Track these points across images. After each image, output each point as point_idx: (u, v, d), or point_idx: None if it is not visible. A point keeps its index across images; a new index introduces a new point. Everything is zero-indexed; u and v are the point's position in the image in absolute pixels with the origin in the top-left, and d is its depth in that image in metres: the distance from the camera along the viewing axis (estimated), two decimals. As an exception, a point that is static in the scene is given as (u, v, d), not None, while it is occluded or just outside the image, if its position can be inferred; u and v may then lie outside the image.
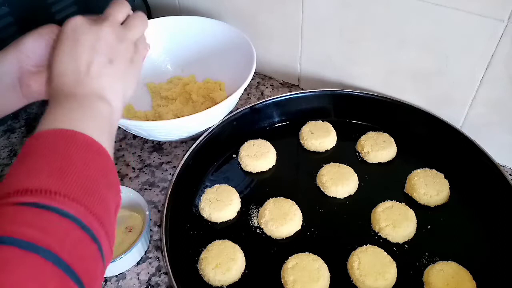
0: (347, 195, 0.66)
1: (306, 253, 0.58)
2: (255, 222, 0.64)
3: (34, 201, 0.32)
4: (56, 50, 0.44)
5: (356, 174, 0.67)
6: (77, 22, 0.45)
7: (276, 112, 0.77)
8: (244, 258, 0.58)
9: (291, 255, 0.58)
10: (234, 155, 0.73)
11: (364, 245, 0.58)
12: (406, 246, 0.60)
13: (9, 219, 0.31)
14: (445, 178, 0.65)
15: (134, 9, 0.50)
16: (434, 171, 0.66)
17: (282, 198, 0.64)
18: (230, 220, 0.64)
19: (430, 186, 0.64)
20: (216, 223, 0.64)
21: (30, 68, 0.49)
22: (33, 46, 0.48)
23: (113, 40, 0.46)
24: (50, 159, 0.35)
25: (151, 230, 0.65)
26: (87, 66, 0.43)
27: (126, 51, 0.47)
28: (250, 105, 0.74)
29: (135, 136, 0.80)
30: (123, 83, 0.46)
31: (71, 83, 0.43)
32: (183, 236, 0.62)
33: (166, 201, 0.60)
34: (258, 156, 0.70)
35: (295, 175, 0.72)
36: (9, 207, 0.32)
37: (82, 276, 0.31)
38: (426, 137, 0.71)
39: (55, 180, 0.34)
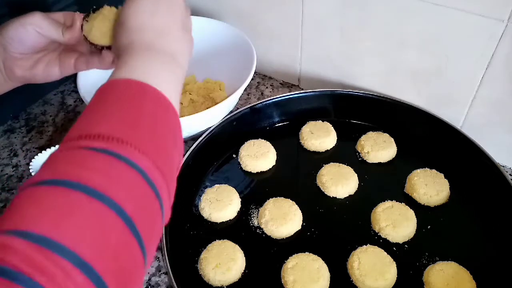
0: (347, 195, 0.66)
1: (306, 253, 0.58)
2: (255, 222, 0.64)
3: (106, 147, 0.32)
4: (135, 3, 0.44)
5: (356, 174, 0.67)
6: None
7: (276, 112, 0.77)
8: (244, 258, 0.58)
9: (291, 255, 0.58)
10: (234, 155, 0.73)
11: (364, 245, 0.58)
12: (406, 246, 0.60)
13: (79, 163, 0.31)
14: (445, 178, 0.65)
15: None
16: (434, 171, 0.66)
17: (282, 198, 0.64)
18: (230, 220, 0.64)
19: (430, 186, 0.64)
20: (216, 223, 0.64)
21: (13, 55, 0.49)
22: (14, 34, 0.48)
23: (184, 10, 0.47)
24: (123, 107, 0.35)
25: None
26: (165, 27, 0.44)
27: (189, 21, 0.49)
28: (250, 105, 0.74)
29: (135, 136, 0.80)
30: (188, 52, 0.47)
31: (149, 39, 0.42)
32: (183, 236, 0.62)
33: (166, 201, 0.60)
34: (258, 156, 0.70)
35: (295, 175, 0.72)
36: (80, 151, 0.31)
37: (142, 231, 0.31)
38: (426, 137, 0.71)
39: (127, 129, 0.34)
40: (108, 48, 0.50)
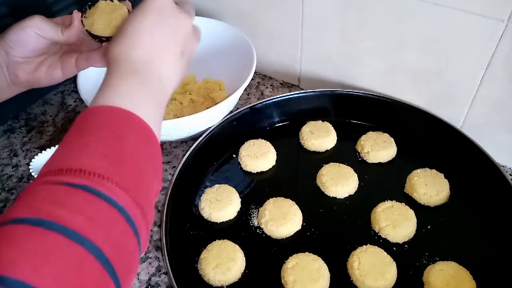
0: (347, 195, 0.66)
1: (306, 253, 0.58)
2: (255, 222, 0.64)
3: (86, 184, 0.31)
4: (141, 17, 0.44)
5: (356, 174, 0.67)
6: (165, 3, 0.45)
7: (276, 112, 0.77)
8: (244, 258, 0.58)
9: (291, 255, 0.58)
10: (234, 155, 0.73)
11: (364, 245, 0.58)
12: (406, 246, 0.60)
13: (59, 202, 0.30)
14: (445, 178, 0.65)
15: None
16: (434, 171, 0.66)
17: (282, 198, 0.64)
18: (230, 220, 0.64)
19: (430, 186, 0.64)
20: (216, 223, 0.64)
21: (16, 59, 0.50)
22: (15, 39, 0.49)
23: (190, 34, 0.47)
24: (106, 138, 0.35)
25: (151, 230, 0.65)
26: (162, 49, 0.43)
27: (193, 47, 0.48)
28: (250, 105, 0.74)
29: (135, 136, 0.80)
30: (179, 78, 0.47)
31: (140, 61, 0.42)
32: (183, 236, 0.62)
33: (166, 201, 0.60)
34: (258, 156, 0.70)
35: (295, 175, 0.72)
36: (60, 187, 0.31)
37: (119, 271, 0.31)
38: (426, 137, 0.71)
39: (109, 164, 0.33)
40: (110, 39, 0.51)
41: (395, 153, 0.71)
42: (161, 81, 0.43)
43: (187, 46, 0.47)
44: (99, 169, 0.33)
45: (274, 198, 0.64)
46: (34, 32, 0.49)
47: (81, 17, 0.52)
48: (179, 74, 0.46)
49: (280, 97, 0.76)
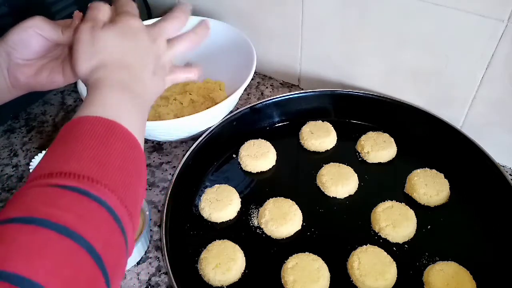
0: (347, 195, 0.66)
1: (306, 253, 0.58)
2: (255, 222, 0.64)
3: (76, 185, 0.32)
4: (112, 35, 0.45)
5: (356, 174, 0.67)
6: (139, 24, 0.47)
7: (276, 112, 0.77)
8: (244, 258, 0.58)
9: (291, 255, 0.58)
10: (234, 155, 0.73)
11: (364, 245, 0.58)
12: (406, 246, 0.60)
13: (49, 201, 0.31)
14: (445, 178, 0.65)
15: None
16: (434, 171, 0.66)
17: (282, 198, 0.64)
18: (230, 220, 0.64)
19: (430, 186, 0.64)
20: (216, 223, 0.64)
21: (17, 61, 0.50)
22: (17, 39, 0.49)
23: (159, 55, 0.48)
24: (92, 144, 0.36)
25: (151, 230, 0.65)
26: (138, 67, 0.45)
27: (164, 68, 0.49)
28: (250, 105, 0.74)
29: (135, 136, 0.80)
30: (155, 94, 0.48)
31: (121, 74, 0.44)
32: (183, 236, 0.62)
33: (166, 201, 0.60)
34: (258, 156, 0.70)
35: (295, 175, 0.72)
36: (50, 189, 0.32)
37: (109, 269, 0.32)
38: (426, 137, 0.71)
39: (96, 167, 0.35)
40: None
41: (395, 153, 0.71)
42: (143, 97, 0.45)
43: (156, 67, 0.48)
44: (88, 172, 0.34)
45: (274, 198, 0.64)
46: (35, 32, 0.49)
47: (82, 17, 0.52)
48: (153, 93, 0.48)
49: (280, 97, 0.76)
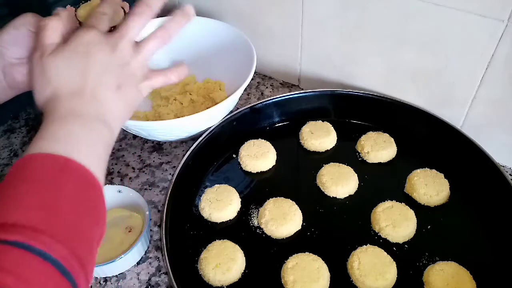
0: (347, 195, 0.66)
1: (306, 253, 0.58)
2: (255, 222, 0.64)
3: (19, 239, 0.31)
4: (60, 59, 0.42)
5: (356, 174, 0.67)
6: (93, 37, 0.43)
7: (276, 112, 0.77)
8: (244, 258, 0.58)
9: (291, 255, 0.58)
10: (234, 155, 0.73)
11: (364, 245, 0.58)
12: (406, 246, 0.60)
13: None
14: (445, 178, 0.65)
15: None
16: (434, 171, 0.66)
17: (282, 198, 0.64)
18: (230, 220, 0.64)
19: (430, 186, 0.64)
20: (216, 223, 0.64)
21: (11, 60, 0.49)
22: (9, 38, 0.48)
23: (125, 63, 0.44)
24: (40, 188, 0.34)
25: (151, 230, 0.65)
26: (94, 87, 0.41)
27: (134, 76, 0.45)
28: (250, 105, 0.74)
29: (135, 136, 0.80)
30: (123, 111, 0.44)
31: (73, 101, 0.41)
32: (183, 236, 0.62)
33: (166, 201, 0.60)
34: (258, 156, 0.70)
35: (295, 175, 0.72)
36: None
37: None
38: (426, 137, 0.71)
39: (43, 215, 0.33)
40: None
41: (395, 153, 0.71)
42: (103, 119, 0.41)
43: (121, 79, 0.44)
44: (33, 221, 0.32)
45: (274, 198, 0.64)
46: (27, 30, 0.48)
47: (75, 11, 0.52)
48: (122, 107, 0.44)
49: (280, 97, 0.76)
